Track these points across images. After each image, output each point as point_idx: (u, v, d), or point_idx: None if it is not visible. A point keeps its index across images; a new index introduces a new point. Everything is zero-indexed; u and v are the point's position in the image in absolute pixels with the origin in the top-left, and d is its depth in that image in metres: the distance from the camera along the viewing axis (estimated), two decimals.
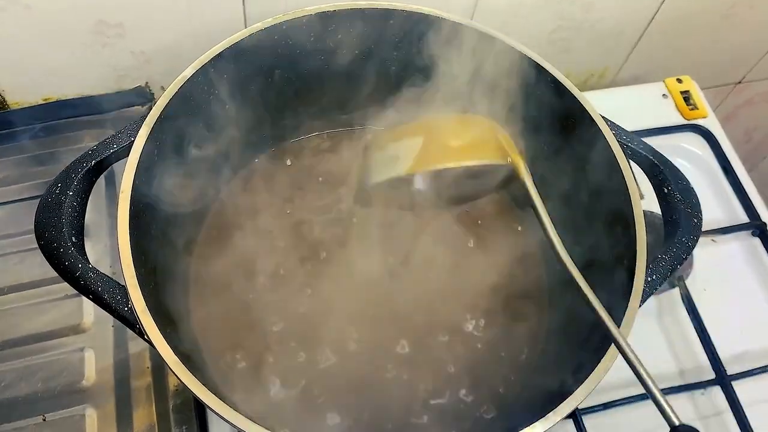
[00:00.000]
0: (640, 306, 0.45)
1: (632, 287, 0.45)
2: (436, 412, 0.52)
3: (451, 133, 0.51)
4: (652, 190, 0.53)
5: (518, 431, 0.40)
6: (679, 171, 0.52)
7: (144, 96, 0.67)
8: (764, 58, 0.90)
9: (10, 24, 0.57)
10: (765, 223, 0.70)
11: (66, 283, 0.43)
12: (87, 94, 0.66)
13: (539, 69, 0.54)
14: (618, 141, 0.51)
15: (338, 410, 0.51)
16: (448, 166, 0.49)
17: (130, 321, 0.42)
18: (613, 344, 0.42)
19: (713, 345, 0.62)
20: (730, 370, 0.61)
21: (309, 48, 0.56)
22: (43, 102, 0.66)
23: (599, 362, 0.43)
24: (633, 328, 0.44)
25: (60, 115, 0.66)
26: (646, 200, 0.58)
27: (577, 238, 0.55)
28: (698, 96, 0.79)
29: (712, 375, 0.61)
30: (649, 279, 0.46)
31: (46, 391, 0.53)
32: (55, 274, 0.43)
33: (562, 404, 0.41)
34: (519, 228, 0.62)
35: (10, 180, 0.63)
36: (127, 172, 0.45)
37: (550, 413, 0.41)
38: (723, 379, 0.60)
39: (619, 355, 0.42)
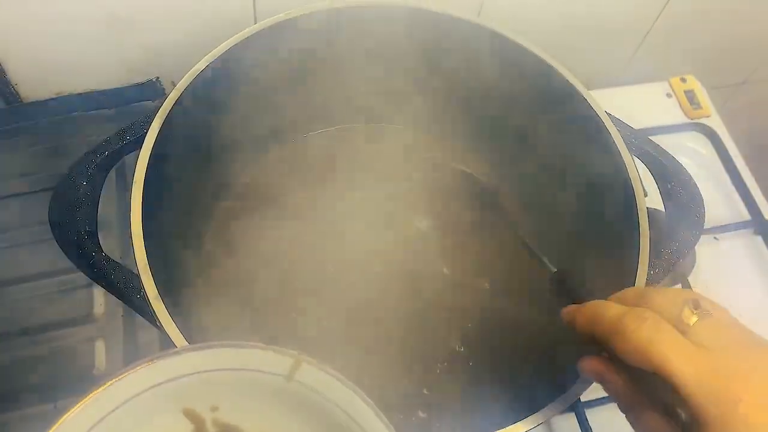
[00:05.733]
0: None
1: (635, 280, 0.45)
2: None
3: None
4: (656, 187, 0.53)
5: (518, 421, 0.41)
6: (683, 167, 0.53)
7: (155, 91, 0.68)
8: None
9: (22, 18, 0.58)
10: None
11: (77, 272, 0.44)
12: (98, 89, 0.67)
13: (546, 66, 0.55)
14: (623, 138, 0.52)
15: None
16: None
17: (142, 308, 0.42)
18: None
19: None
20: None
21: (318, 44, 0.57)
22: (56, 96, 0.67)
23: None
24: None
25: (72, 109, 0.67)
26: (649, 198, 0.59)
27: (581, 232, 0.56)
28: (702, 95, 0.79)
29: None
30: (651, 272, 0.47)
31: (57, 379, 0.54)
32: (65, 264, 0.44)
33: (562, 396, 0.42)
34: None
35: (22, 172, 0.64)
36: (140, 162, 0.46)
37: (552, 403, 0.42)
38: None
39: None
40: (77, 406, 0.33)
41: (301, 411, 0.35)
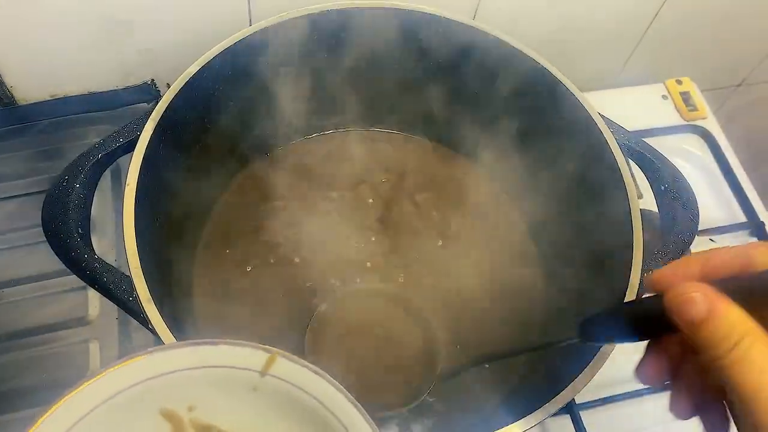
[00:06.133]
0: None
1: (628, 282, 0.45)
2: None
3: None
4: (650, 189, 0.53)
5: (514, 422, 0.41)
6: (677, 169, 0.53)
7: (150, 93, 0.68)
8: (764, 61, 0.91)
9: (18, 20, 0.58)
10: (763, 223, 0.71)
11: (72, 275, 0.44)
12: (94, 91, 0.67)
13: (540, 69, 0.55)
14: (616, 140, 0.52)
15: None
16: None
17: (134, 311, 0.42)
18: None
19: None
20: None
21: (312, 47, 0.57)
22: (51, 98, 0.67)
23: (596, 354, 0.43)
24: None
25: (67, 111, 0.67)
26: (643, 200, 0.59)
27: (574, 234, 0.56)
28: (698, 97, 0.79)
29: None
30: (645, 274, 0.46)
31: (51, 381, 0.54)
32: (61, 267, 0.44)
33: (558, 396, 0.42)
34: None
35: (17, 175, 0.64)
36: (133, 165, 0.46)
37: (547, 404, 0.42)
38: None
39: (616, 348, 0.43)
40: (49, 411, 0.31)
41: (278, 406, 0.35)
